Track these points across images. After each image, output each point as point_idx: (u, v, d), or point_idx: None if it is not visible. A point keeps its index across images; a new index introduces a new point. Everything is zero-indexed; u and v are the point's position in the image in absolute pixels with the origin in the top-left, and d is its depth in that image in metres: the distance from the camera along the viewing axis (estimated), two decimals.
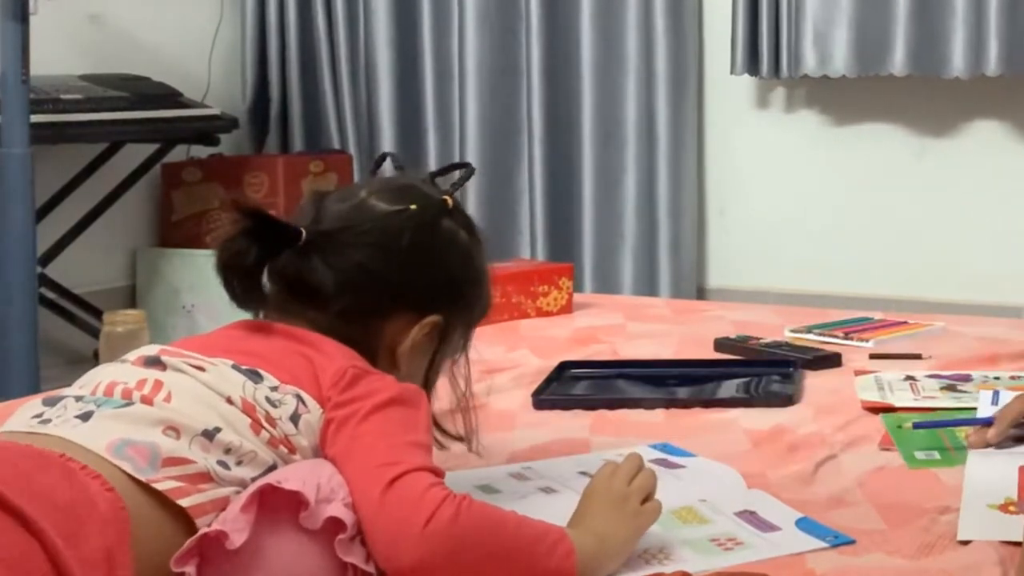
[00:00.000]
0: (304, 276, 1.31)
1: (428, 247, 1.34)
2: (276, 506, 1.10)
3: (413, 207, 1.35)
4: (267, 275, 1.32)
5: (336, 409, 1.22)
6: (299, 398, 1.21)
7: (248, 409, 1.18)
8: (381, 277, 1.31)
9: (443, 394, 1.44)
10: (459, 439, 1.44)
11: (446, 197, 1.38)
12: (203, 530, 1.09)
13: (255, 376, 1.21)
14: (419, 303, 1.33)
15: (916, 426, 1.67)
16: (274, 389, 1.21)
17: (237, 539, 1.07)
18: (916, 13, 3.42)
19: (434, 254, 1.35)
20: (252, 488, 1.11)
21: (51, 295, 3.55)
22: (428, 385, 1.37)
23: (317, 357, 1.26)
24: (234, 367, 1.22)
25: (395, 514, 1.12)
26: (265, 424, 1.18)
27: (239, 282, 1.28)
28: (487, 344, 2.22)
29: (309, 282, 1.30)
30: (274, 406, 1.20)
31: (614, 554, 1.21)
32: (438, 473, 1.17)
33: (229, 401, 1.18)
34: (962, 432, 1.65)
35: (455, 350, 1.40)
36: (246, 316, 1.36)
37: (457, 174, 1.48)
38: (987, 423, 1.60)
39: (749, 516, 1.36)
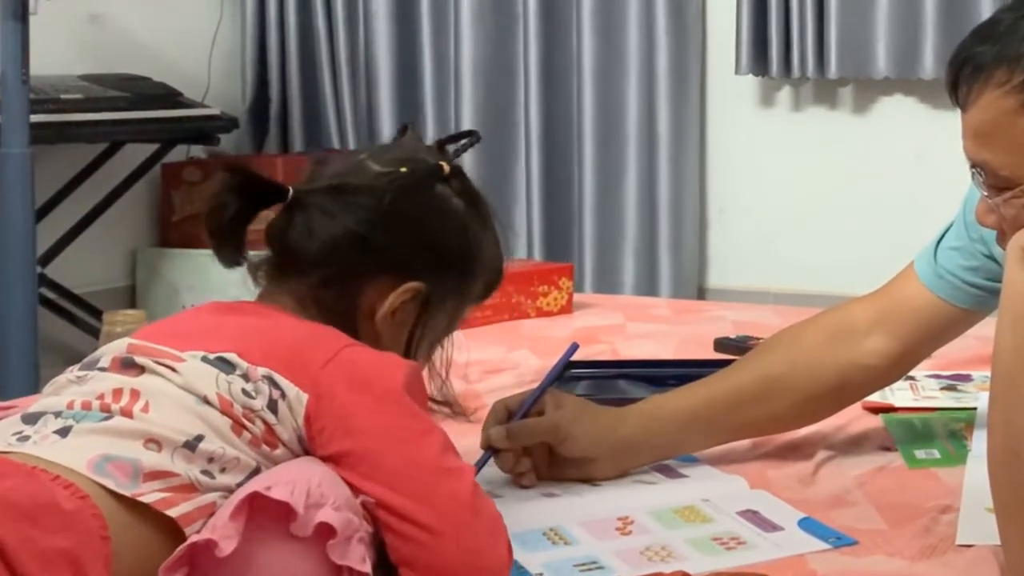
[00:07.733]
0: (289, 236, 1.28)
1: (412, 210, 1.29)
2: (265, 513, 1.08)
3: (403, 170, 1.31)
4: (265, 239, 1.30)
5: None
6: (271, 381, 1.18)
7: (226, 407, 1.15)
8: (363, 239, 1.27)
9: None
10: (445, 404, 1.39)
11: (441, 163, 1.34)
12: (192, 538, 1.07)
13: (226, 365, 1.18)
14: (399, 268, 1.28)
15: None
16: (245, 377, 1.17)
17: (227, 547, 1.06)
18: (945, 16, 3.42)
19: (418, 218, 1.30)
20: (240, 494, 1.10)
21: (51, 295, 3.55)
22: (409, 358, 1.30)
23: (299, 339, 1.22)
24: (204, 359, 1.18)
25: (491, 520, 1.18)
26: (245, 422, 1.16)
27: (221, 238, 1.26)
28: (487, 344, 2.23)
29: (294, 243, 1.27)
30: (251, 397, 1.17)
31: None
32: None
33: (206, 401, 1.15)
34: (963, 431, 1.65)
35: (441, 326, 1.34)
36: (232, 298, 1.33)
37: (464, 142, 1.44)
38: None
39: (751, 515, 1.37)
